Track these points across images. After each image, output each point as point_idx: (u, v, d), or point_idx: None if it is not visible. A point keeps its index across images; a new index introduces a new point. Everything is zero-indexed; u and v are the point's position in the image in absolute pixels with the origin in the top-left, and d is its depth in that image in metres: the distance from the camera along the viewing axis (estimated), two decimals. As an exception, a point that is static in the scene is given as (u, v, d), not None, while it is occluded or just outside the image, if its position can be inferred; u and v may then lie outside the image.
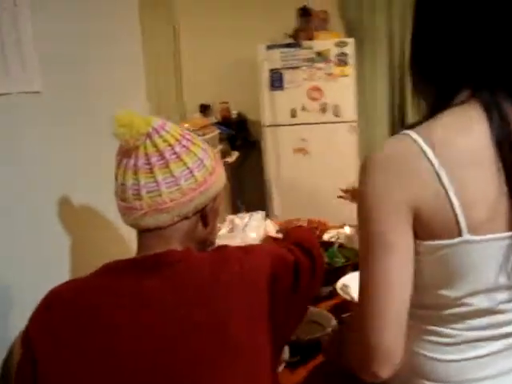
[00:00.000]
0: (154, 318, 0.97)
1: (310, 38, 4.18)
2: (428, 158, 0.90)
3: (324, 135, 4.20)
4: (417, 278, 0.96)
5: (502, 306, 0.99)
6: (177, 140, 1.07)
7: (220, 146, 3.99)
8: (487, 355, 1.02)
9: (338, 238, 2.19)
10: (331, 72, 4.13)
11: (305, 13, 4.21)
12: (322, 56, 4.11)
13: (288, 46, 4.15)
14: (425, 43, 1.02)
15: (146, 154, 1.04)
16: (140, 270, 1.02)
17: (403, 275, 0.94)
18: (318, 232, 2.28)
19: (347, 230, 2.27)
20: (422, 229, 0.93)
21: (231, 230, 2.45)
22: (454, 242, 0.91)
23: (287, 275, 1.08)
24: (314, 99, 4.18)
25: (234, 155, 4.24)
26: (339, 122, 4.20)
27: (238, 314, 0.99)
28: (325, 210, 3.89)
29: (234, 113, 4.68)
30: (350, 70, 4.12)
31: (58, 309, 1.01)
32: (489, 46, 0.94)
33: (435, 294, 0.98)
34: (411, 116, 4.56)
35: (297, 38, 4.22)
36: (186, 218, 1.08)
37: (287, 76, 4.17)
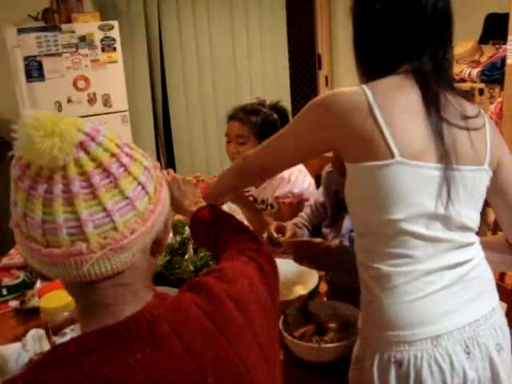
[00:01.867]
0: None
1: (68, 21, 3.70)
2: (370, 103, 1.13)
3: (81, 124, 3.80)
4: (360, 205, 1.21)
5: (441, 235, 1.17)
6: (119, 147, 0.79)
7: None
8: (440, 290, 1.17)
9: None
10: (98, 58, 3.73)
11: (58, -9, 3.68)
12: (86, 41, 3.68)
13: (45, 29, 3.59)
14: (366, 38, 1.27)
15: (83, 173, 0.74)
16: (126, 343, 0.76)
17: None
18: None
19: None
20: (353, 153, 1.16)
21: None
22: (388, 163, 1.11)
23: (264, 291, 0.97)
24: (80, 89, 3.74)
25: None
26: (110, 113, 3.86)
27: (254, 354, 0.86)
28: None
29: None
30: (118, 55, 3.79)
31: None
32: (418, 39, 1.20)
33: (381, 219, 1.15)
34: (172, 102, 4.47)
35: (50, 21, 3.69)
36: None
37: (47, 64, 3.62)
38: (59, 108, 3.70)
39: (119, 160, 0.77)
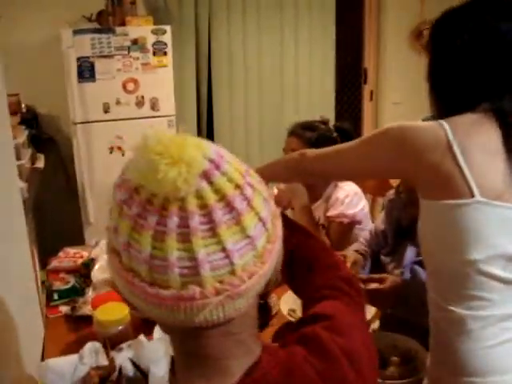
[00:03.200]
0: None
1: (122, 24, 3.71)
2: (449, 140, 1.10)
3: (141, 131, 3.80)
4: (437, 245, 1.17)
5: None
6: (242, 176, 0.71)
7: (30, 151, 3.35)
8: None
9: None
10: (148, 62, 3.74)
11: (114, -6, 3.70)
12: (138, 44, 3.69)
13: (99, 31, 3.61)
14: (444, 81, 1.25)
15: (203, 206, 0.66)
16: None
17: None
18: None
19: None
20: (431, 190, 1.14)
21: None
22: (467, 202, 1.08)
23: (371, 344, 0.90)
24: (129, 92, 3.75)
25: (41, 159, 3.58)
26: (157, 117, 3.85)
27: None
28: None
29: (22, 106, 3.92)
30: (169, 60, 3.79)
31: None
32: (497, 79, 1.18)
33: (457, 259, 1.11)
34: (216, 109, 4.46)
35: (105, 23, 3.71)
36: None
37: (99, 66, 3.63)
38: (107, 109, 3.72)
39: (243, 192, 0.69)
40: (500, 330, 1.11)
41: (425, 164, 1.12)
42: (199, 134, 4.48)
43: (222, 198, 0.67)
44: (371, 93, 5.31)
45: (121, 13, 3.76)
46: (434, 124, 1.14)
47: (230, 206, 0.67)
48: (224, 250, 0.66)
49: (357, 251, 1.96)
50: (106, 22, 3.72)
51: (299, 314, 1.74)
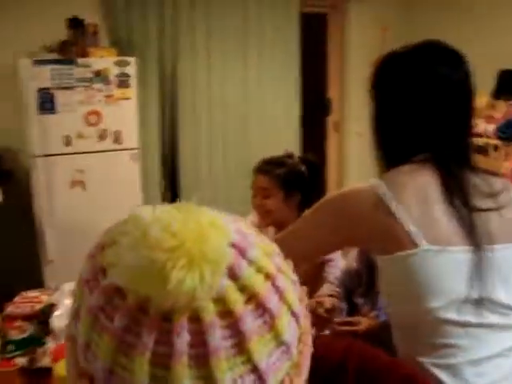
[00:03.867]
0: None
1: (84, 55, 3.62)
2: (385, 199, 1.13)
3: (104, 165, 3.71)
4: (393, 295, 1.18)
5: (478, 319, 1.11)
6: (271, 257, 0.54)
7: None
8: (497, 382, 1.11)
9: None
10: (112, 94, 3.65)
11: (77, 24, 3.61)
12: (100, 76, 3.60)
13: (60, 62, 3.51)
14: (388, 125, 1.28)
15: (226, 313, 0.48)
16: None
17: None
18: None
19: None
20: (380, 246, 1.15)
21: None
22: (414, 252, 1.10)
23: None
24: (91, 125, 3.65)
25: (-1, 194, 3.44)
26: (120, 150, 3.76)
27: None
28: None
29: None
30: (132, 92, 3.71)
31: None
32: (438, 126, 1.21)
33: (420, 309, 1.11)
34: (182, 141, 4.38)
35: (67, 54, 3.61)
36: None
37: (60, 98, 3.52)
38: (68, 142, 3.60)
39: (275, 283, 0.52)
40: (475, 378, 1.08)
41: (366, 225, 1.15)
42: (163, 166, 4.39)
43: (252, 297, 0.49)
44: (335, 124, 5.32)
45: (83, 43, 3.68)
46: (368, 184, 1.17)
47: (261, 307, 0.50)
48: (256, 369, 0.49)
49: (331, 295, 1.90)
50: (67, 52, 3.62)
51: None
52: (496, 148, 4.06)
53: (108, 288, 0.48)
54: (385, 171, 1.28)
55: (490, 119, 4.19)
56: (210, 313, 0.47)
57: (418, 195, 1.14)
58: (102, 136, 3.68)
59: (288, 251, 1.26)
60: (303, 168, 2.24)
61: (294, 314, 0.54)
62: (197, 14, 4.29)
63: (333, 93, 5.30)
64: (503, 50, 4.29)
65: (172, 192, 4.52)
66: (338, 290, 1.95)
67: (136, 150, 3.81)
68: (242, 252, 0.51)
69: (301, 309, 0.56)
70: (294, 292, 0.55)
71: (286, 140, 4.74)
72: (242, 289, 0.49)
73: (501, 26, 4.36)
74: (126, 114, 3.72)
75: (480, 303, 1.11)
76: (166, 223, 0.48)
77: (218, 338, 0.46)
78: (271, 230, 2.33)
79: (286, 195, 2.19)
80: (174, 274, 0.45)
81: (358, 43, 5.06)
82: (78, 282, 0.54)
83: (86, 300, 0.50)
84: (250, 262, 0.51)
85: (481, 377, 1.09)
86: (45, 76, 3.47)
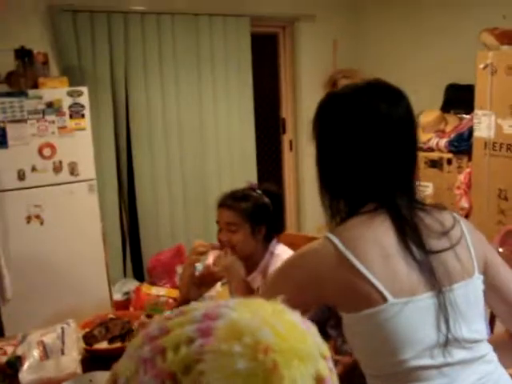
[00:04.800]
0: None
1: (34, 86, 3.53)
2: (343, 255, 1.11)
3: (61, 198, 3.61)
4: (368, 354, 1.17)
5: (449, 359, 1.14)
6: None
7: None
8: None
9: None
10: (65, 126, 3.56)
11: (24, 54, 3.51)
12: (53, 107, 3.51)
13: (10, 94, 3.41)
14: (330, 169, 1.24)
15: None
16: None
17: None
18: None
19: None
20: (347, 305, 1.14)
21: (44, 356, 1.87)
22: (382, 308, 1.09)
23: None
24: (46, 157, 3.55)
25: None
26: (77, 182, 3.66)
27: None
28: (69, 284, 3.55)
29: None
30: (87, 122, 3.63)
31: None
32: (382, 166, 1.18)
33: (391, 363, 1.12)
34: (138, 169, 4.32)
35: (16, 85, 3.51)
36: None
37: (11, 131, 3.41)
38: (22, 176, 3.49)
39: (331, 369, 0.56)
40: None
41: (334, 284, 1.13)
42: (120, 195, 4.31)
43: None
44: (290, 142, 5.36)
45: (32, 74, 3.57)
46: (323, 242, 1.16)
47: None
48: None
49: None
50: (16, 83, 3.51)
51: None
52: (449, 161, 4.17)
53: (165, 373, 0.49)
54: (333, 220, 1.26)
55: (441, 133, 4.30)
56: None
57: (375, 248, 1.13)
58: (57, 168, 3.59)
59: None
60: (267, 200, 2.23)
61: None
62: (148, 39, 4.25)
63: (286, 112, 5.34)
64: (451, 64, 4.42)
65: (130, 220, 4.45)
66: None
67: (93, 181, 3.73)
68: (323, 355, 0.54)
69: None
70: None
71: (243, 161, 4.75)
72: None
73: (449, 41, 4.49)
74: (80, 144, 3.63)
75: (448, 343, 1.13)
76: (274, 326, 0.49)
77: None
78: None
79: (252, 229, 2.17)
80: (286, 371, 0.46)
81: (309, 62, 5.12)
82: (130, 356, 0.54)
83: (140, 377, 0.51)
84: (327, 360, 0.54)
85: None
86: (-6, 110, 3.36)
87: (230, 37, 4.65)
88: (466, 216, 3.88)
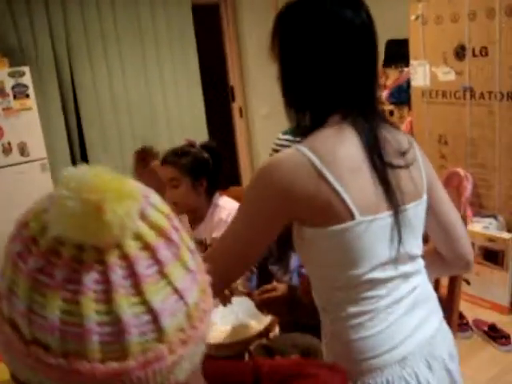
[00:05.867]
0: None
1: (-25, 69, 3.55)
2: (315, 166, 1.09)
3: (12, 179, 3.66)
4: (322, 266, 1.19)
5: (399, 272, 1.22)
6: (167, 217, 0.61)
7: None
8: (401, 316, 1.22)
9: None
10: (10, 107, 3.60)
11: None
12: (-4, 89, 3.54)
13: (-50, 80, 3.43)
14: (295, 80, 1.21)
15: (146, 247, 0.57)
16: None
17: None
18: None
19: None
20: (316, 219, 1.13)
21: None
22: (351, 225, 1.11)
23: None
24: (-6, 140, 3.59)
25: None
26: (29, 162, 3.72)
27: None
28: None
29: None
30: (31, 102, 3.67)
31: None
32: (346, 74, 1.16)
33: (344, 276, 1.17)
34: (90, 143, 4.37)
35: (-45, 70, 3.53)
36: None
37: (-44, 116, 3.45)
38: (-29, 161, 3.53)
39: (173, 223, 0.61)
40: (387, 315, 1.20)
41: (300, 196, 1.10)
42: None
43: (160, 233, 0.58)
44: (240, 109, 5.45)
45: (-28, 58, 3.59)
46: (296, 153, 1.12)
47: (169, 241, 0.58)
48: (176, 291, 0.58)
49: None
50: (-44, 68, 3.53)
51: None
52: (391, 113, 4.32)
53: (45, 250, 0.55)
54: (299, 134, 1.23)
55: (382, 87, 4.43)
56: (132, 248, 0.55)
57: (346, 163, 1.12)
58: (6, 150, 3.63)
59: (231, 263, 1.23)
60: (206, 155, 2.34)
61: (190, 247, 0.63)
62: (88, 15, 4.27)
63: (234, 80, 5.42)
64: (389, 20, 4.53)
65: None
66: None
67: (45, 160, 3.78)
68: (146, 197, 0.60)
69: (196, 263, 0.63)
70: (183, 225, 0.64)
71: (194, 131, 4.83)
72: (152, 227, 0.58)
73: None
74: (28, 124, 3.68)
75: (397, 259, 1.20)
76: (97, 174, 0.55)
77: (144, 267, 0.55)
78: (184, 218, 2.43)
79: (193, 182, 2.29)
80: (108, 207, 0.53)
81: (252, 27, 5.18)
82: (5, 261, 0.58)
83: (23, 268, 0.55)
84: (153, 206, 0.60)
85: (391, 315, 1.20)
86: None
87: (171, 9, 4.69)
88: (411, 164, 4.04)
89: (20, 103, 3.62)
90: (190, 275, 0.60)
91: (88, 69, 4.32)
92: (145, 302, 0.54)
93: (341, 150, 1.13)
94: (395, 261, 1.21)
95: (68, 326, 0.52)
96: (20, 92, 3.61)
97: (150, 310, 0.55)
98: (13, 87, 3.59)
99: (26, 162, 3.71)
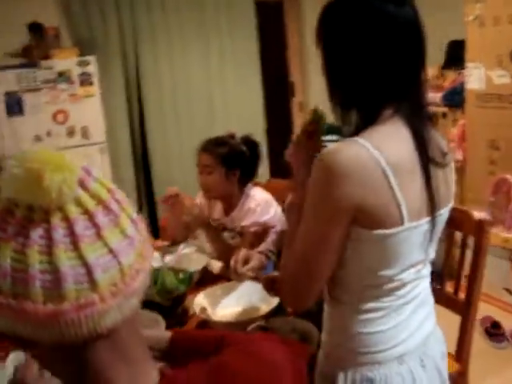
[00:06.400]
0: None
1: (46, 57, 3.85)
2: (380, 165, 1.08)
3: (75, 160, 3.92)
4: (358, 264, 1.19)
5: (418, 275, 1.26)
6: (109, 191, 0.74)
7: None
8: (409, 316, 1.26)
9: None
10: (75, 93, 3.88)
11: (36, 28, 3.83)
12: (63, 76, 3.83)
13: (24, 66, 3.75)
14: (339, 75, 1.20)
15: (85, 212, 0.69)
16: None
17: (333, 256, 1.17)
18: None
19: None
20: (368, 220, 1.11)
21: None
22: (398, 231, 1.11)
23: None
24: (59, 123, 3.88)
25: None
26: (89, 145, 4.00)
27: None
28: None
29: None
30: (95, 89, 3.95)
31: None
32: (392, 76, 1.15)
33: (376, 276, 1.18)
34: (150, 130, 4.59)
35: (29, 57, 3.83)
36: None
37: (27, 100, 3.77)
38: (38, 141, 3.83)
39: (114, 196, 0.73)
40: (397, 315, 1.25)
41: (369, 191, 1.08)
42: (134, 158, 4.61)
43: (99, 202, 0.71)
44: (300, 104, 5.55)
45: (44, 46, 3.89)
46: (359, 149, 1.09)
47: (107, 209, 0.71)
48: (111, 251, 0.69)
49: (261, 252, 2.13)
50: (30, 56, 3.84)
51: (210, 311, 1.90)
52: (444, 115, 4.29)
53: (1, 209, 0.69)
54: (350, 130, 1.20)
55: (438, 89, 4.40)
56: (72, 212, 0.68)
57: (406, 165, 1.12)
58: (70, 133, 3.92)
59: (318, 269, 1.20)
60: (244, 148, 2.47)
61: (133, 221, 0.74)
62: (154, 10, 4.49)
63: (295, 76, 5.52)
64: (451, 21, 4.47)
65: (145, 178, 4.74)
66: (269, 249, 2.20)
67: (104, 144, 4.06)
68: (88, 173, 0.73)
69: (135, 231, 0.75)
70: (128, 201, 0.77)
71: (251, 125, 4.96)
72: (92, 196, 0.70)
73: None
74: (90, 110, 3.96)
75: (422, 262, 1.26)
76: (35, 150, 0.69)
77: (82, 227, 0.68)
78: (218, 205, 2.59)
79: (226, 171, 2.43)
80: (47, 176, 0.66)
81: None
82: None
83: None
84: (95, 180, 0.73)
85: (400, 315, 1.25)
86: (10, 80, 3.70)
87: (233, 3, 4.85)
88: (461, 168, 4.01)
89: (84, 90, 3.90)
90: (128, 240, 0.72)
91: (152, 60, 4.54)
92: (81, 257, 0.66)
93: (401, 150, 1.13)
94: (420, 263, 1.25)
95: (17, 272, 0.65)
96: (85, 80, 3.89)
97: (85, 264, 0.67)
98: (79, 75, 3.87)
99: (86, 145, 3.99)
